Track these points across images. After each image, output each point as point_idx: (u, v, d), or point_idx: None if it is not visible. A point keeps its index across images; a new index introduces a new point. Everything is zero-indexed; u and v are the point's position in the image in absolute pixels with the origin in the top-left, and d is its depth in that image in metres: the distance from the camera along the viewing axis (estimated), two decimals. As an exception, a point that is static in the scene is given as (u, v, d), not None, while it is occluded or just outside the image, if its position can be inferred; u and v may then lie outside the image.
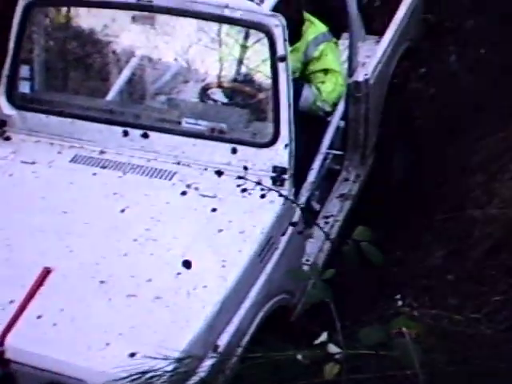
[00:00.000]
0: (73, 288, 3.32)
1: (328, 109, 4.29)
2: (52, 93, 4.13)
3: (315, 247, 4.14)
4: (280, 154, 3.64)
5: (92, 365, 3.07)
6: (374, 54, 4.67)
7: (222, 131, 3.74)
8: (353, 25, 4.47)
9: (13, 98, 4.00)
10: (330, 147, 4.37)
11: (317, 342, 2.76)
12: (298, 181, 3.99)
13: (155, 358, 2.89)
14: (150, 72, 4.75)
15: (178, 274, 3.33)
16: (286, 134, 3.62)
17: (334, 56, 4.29)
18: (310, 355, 2.76)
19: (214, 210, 3.57)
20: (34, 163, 3.86)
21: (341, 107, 4.46)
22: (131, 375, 2.87)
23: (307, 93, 4.19)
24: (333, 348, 2.71)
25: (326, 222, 4.31)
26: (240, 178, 3.63)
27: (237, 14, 3.65)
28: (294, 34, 4.12)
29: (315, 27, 4.31)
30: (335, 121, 4.43)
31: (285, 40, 3.59)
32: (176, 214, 3.57)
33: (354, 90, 4.44)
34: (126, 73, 4.54)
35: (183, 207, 3.60)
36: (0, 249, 3.49)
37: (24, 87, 4.03)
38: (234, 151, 3.71)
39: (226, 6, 3.65)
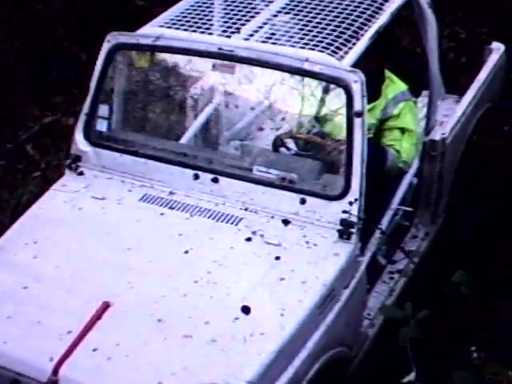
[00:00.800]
0: (130, 324, 3.32)
1: (406, 169, 4.25)
2: (128, 132, 4.19)
3: (378, 302, 4.08)
4: (349, 208, 3.61)
5: (143, 403, 3.05)
6: (452, 113, 4.65)
7: (292, 181, 3.73)
8: (433, 83, 4.45)
9: (89, 135, 4.08)
10: (401, 203, 4.32)
11: (404, 380, 2.70)
12: (366, 235, 3.97)
13: None
14: (226, 118, 4.83)
15: (236, 318, 3.30)
16: (357, 189, 3.59)
17: (412, 115, 4.27)
18: None
19: (277, 258, 3.54)
20: (103, 199, 3.91)
21: (415, 164, 4.43)
22: None
23: (389, 157, 4.16)
24: None
25: (391, 278, 4.24)
26: None
27: (316, 68, 3.65)
28: (374, 91, 4.12)
29: (395, 85, 4.30)
30: (408, 177, 4.38)
31: (363, 96, 3.58)
32: (239, 259, 3.56)
33: (429, 149, 4.41)
34: (202, 117, 4.63)
35: (247, 253, 3.58)
36: (64, 280, 3.53)
37: (101, 125, 4.10)
38: (303, 202, 3.68)
39: (307, 60, 3.66)
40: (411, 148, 4.23)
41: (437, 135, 4.41)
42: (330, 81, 3.74)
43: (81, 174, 4.07)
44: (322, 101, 4.28)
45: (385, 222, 4.09)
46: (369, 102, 3.98)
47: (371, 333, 3.94)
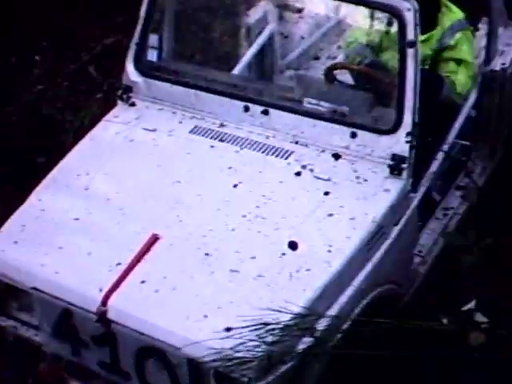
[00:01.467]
0: (178, 257, 3.35)
1: (460, 102, 4.13)
2: (179, 63, 4.16)
3: (430, 239, 4.03)
4: (401, 143, 3.53)
5: (188, 334, 3.08)
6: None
7: (343, 114, 3.66)
8: (494, 9, 4.28)
9: (140, 65, 4.05)
10: (458, 137, 4.22)
11: (464, 308, 2.73)
12: (420, 170, 3.90)
13: (278, 311, 2.87)
14: (281, 46, 4.75)
15: (283, 254, 3.30)
16: (409, 122, 3.51)
17: (468, 46, 4.12)
18: (456, 320, 2.75)
19: (326, 193, 3.50)
20: (154, 130, 3.90)
21: (473, 96, 4.30)
22: (253, 325, 2.87)
23: (445, 86, 4.04)
24: (480, 317, 2.68)
25: (445, 214, 4.17)
26: None
27: None
28: (429, 20, 3.98)
29: (452, 13, 4.15)
30: (466, 110, 4.26)
31: (416, 25, 3.46)
32: (288, 194, 3.53)
33: (489, 80, 4.26)
34: (256, 45, 4.55)
35: (296, 188, 3.55)
36: (114, 212, 3.56)
37: (152, 55, 4.07)
38: (354, 135, 3.62)
39: None
40: (467, 80, 4.10)
41: (497, 65, 4.26)
42: (382, 9, 3.63)
43: (132, 104, 4.07)
44: (378, 31, 4.16)
45: (440, 157, 4.00)
46: (424, 32, 3.88)
47: (422, 270, 3.90)
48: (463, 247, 2.82)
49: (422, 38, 3.91)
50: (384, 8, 3.58)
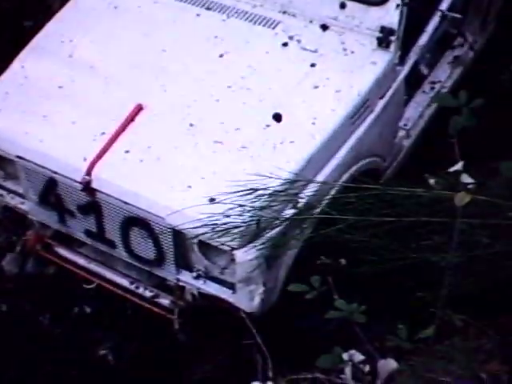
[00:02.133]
0: (162, 127, 3.34)
1: None
2: None
3: (416, 112, 4.01)
4: (390, 14, 3.47)
5: (172, 204, 3.11)
6: None
7: None
8: None
9: None
10: (450, 9, 4.14)
11: (451, 169, 2.70)
12: (408, 43, 3.84)
13: (269, 177, 2.83)
14: None
15: (267, 126, 3.29)
16: None
17: None
18: (442, 182, 2.71)
19: (312, 65, 3.46)
20: (141, -3, 3.82)
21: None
22: (244, 190, 2.84)
23: None
24: (466, 178, 2.65)
25: (432, 88, 4.14)
26: None
27: None
28: None
29: None
30: None
31: None
32: (274, 65, 3.49)
33: None
34: None
35: (282, 59, 3.51)
36: (98, 80, 3.53)
37: None
38: (343, 6, 3.55)
39: None
40: None
41: None
42: None
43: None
44: None
45: (429, 30, 3.93)
46: None
47: (406, 144, 3.90)
48: (453, 109, 2.79)
49: None
50: None
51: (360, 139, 3.42)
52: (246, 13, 3.68)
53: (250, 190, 2.93)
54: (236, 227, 3.01)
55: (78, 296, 3.80)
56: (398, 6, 3.45)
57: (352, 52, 3.50)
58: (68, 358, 3.72)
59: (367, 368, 2.74)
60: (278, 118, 3.31)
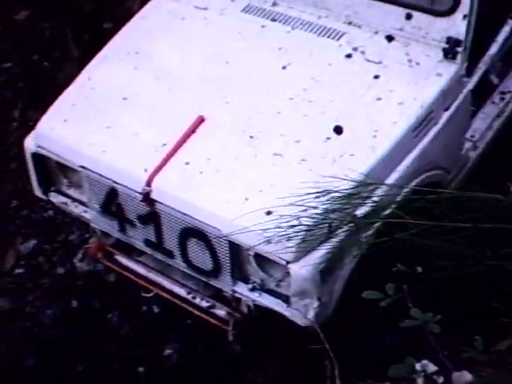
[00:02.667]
0: (223, 139, 3.35)
1: None
2: None
3: (484, 123, 3.91)
4: (457, 25, 3.39)
5: (229, 216, 3.11)
6: None
7: None
8: None
9: None
10: None
11: None
12: (477, 53, 3.76)
13: (342, 179, 2.84)
14: None
15: (328, 138, 3.26)
16: (467, 4, 3.36)
17: None
18: None
19: (376, 76, 3.41)
20: (206, 9, 3.84)
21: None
22: (316, 192, 2.83)
23: None
24: None
25: (502, 98, 4.03)
26: None
27: None
28: None
29: None
30: None
31: None
32: (337, 77, 3.45)
33: None
34: None
35: (345, 70, 3.47)
36: (162, 92, 3.56)
37: None
38: (409, 17, 3.49)
39: None
40: None
41: None
42: None
43: (185, -18, 3.99)
44: None
45: (500, 39, 3.83)
46: None
47: (473, 155, 3.80)
48: None
49: None
50: None
51: (423, 152, 3.35)
52: (311, 24, 3.66)
53: (323, 191, 2.91)
54: (289, 239, 3.00)
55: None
56: (465, 16, 3.37)
57: (417, 63, 3.44)
58: (134, 356, 3.78)
59: (441, 379, 2.68)
60: (338, 130, 3.27)
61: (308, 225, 2.98)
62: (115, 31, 3.93)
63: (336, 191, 2.82)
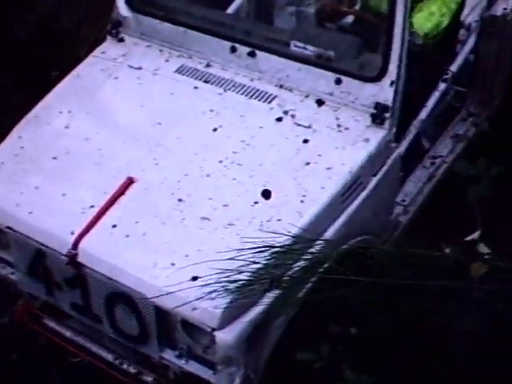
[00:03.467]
0: (151, 202, 3.33)
1: (419, 41, 3.85)
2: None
3: (415, 188, 3.95)
4: (385, 91, 3.44)
5: (155, 282, 3.09)
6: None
7: (328, 59, 3.56)
8: None
9: (130, 0, 3.97)
10: (454, 82, 4.10)
11: (468, 238, 2.70)
12: (408, 118, 3.82)
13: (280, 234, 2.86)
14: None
15: (256, 203, 3.26)
16: (395, 71, 3.40)
17: None
18: (458, 252, 2.70)
19: (305, 141, 3.44)
20: (140, 69, 3.85)
21: (471, 40, 4.16)
22: (259, 247, 2.84)
23: None
24: (483, 248, 2.65)
25: (433, 163, 4.08)
26: None
27: None
28: None
29: None
30: (464, 53, 4.12)
31: None
32: (267, 140, 3.47)
33: (488, 25, 4.11)
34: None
35: (275, 134, 3.49)
36: (92, 152, 3.54)
37: (142, -10, 3.98)
38: (339, 81, 3.53)
39: None
40: (428, 17, 3.84)
41: (498, 10, 4.10)
42: None
43: (121, 40, 4.00)
44: None
45: (430, 104, 3.90)
46: None
47: (404, 220, 3.84)
48: (471, 176, 2.74)
49: None
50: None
51: (351, 217, 3.37)
52: (244, 86, 3.68)
53: (265, 247, 2.90)
54: (215, 306, 2.99)
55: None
56: (392, 82, 3.42)
57: (346, 128, 3.47)
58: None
59: None
60: (266, 194, 3.28)
61: (237, 286, 2.99)
62: (63, 79, 3.92)
63: (278, 247, 2.86)
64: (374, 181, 3.46)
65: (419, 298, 2.95)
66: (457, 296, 2.92)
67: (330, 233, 3.28)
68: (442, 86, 4.01)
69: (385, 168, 3.50)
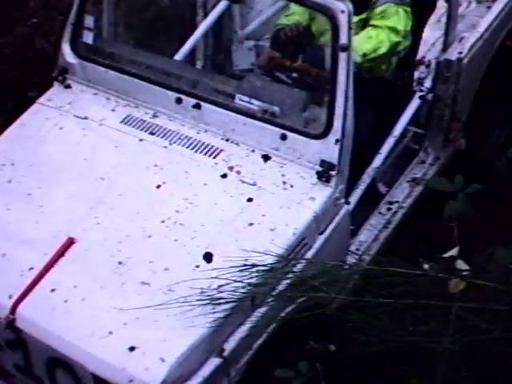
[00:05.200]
0: (91, 264, 3.27)
1: (358, 60, 3.73)
2: (117, 46, 3.97)
3: (370, 235, 3.90)
4: (330, 149, 3.38)
5: (92, 351, 3.03)
6: (478, 24, 4.25)
7: (274, 114, 3.50)
8: None
9: (76, 46, 3.88)
10: (413, 122, 4.04)
11: (446, 255, 2.70)
12: (363, 165, 3.77)
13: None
14: (241, 16, 4.55)
15: (197, 266, 3.20)
16: (339, 129, 3.35)
17: (395, 18, 3.81)
18: (437, 268, 2.72)
19: (249, 199, 3.38)
20: (85, 119, 3.77)
21: (429, 80, 4.15)
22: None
23: None
24: (461, 264, 2.65)
25: (389, 209, 4.02)
26: None
27: None
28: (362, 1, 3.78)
29: None
30: (418, 95, 4.07)
31: (350, 28, 3.26)
32: (210, 199, 3.41)
33: (443, 69, 4.05)
34: (212, 15, 4.36)
35: (219, 192, 3.42)
36: (34, 209, 3.46)
37: (87, 37, 3.89)
38: (284, 137, 3.47)
39: None
40: (368, 39, 3.76)
41: (453, 54, 4.05)
42: (314, 8, 3.40)
43: (68, 86, 3.91)
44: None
45: (384, 151, 3.84)
46: (357, 14, 3.66)
47: (358, 269, 3.78)
48: (448, 193, 2.76)
49: (355, 19, 3.70)
50: (317, 7, 3.37)
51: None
52: (190, 139, 3.61)
53: (249, 265, 2.97)
54: (153, 380, 2.95)
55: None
56: (337, 140, 3.36)
57: (291, 186, 3.41)
58: None
59: None
60: (208, 257, 3.22)
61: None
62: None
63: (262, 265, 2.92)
64: (320, 239, 3.40)
65: (400, 316, 2.95)
66: (437, 314, 2.90)
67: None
68: (397, 131, 3.97)
69: (332, 226, 3.44)
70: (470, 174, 2.95)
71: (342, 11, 3.25)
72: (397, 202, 4.05)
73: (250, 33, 4.65)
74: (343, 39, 3.27)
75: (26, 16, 5.76)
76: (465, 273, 2.63)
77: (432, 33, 4.46)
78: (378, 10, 3.83)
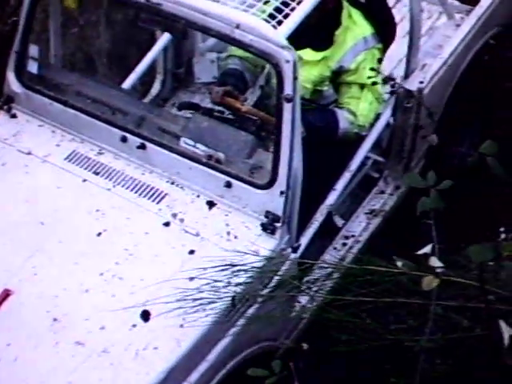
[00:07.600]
0: (26, 320, 3.17)
1: (365, 132, 3.76)
2: (61, 75, 3.79)
3: (323, 273, 3.78)
4: (275, 200, 3.27)
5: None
6: (443, 48, 4.09)
7: (219, 161, 3.37)
8: (413, 18, 3.85)
9: (21, 75, 3.73)
10: (375, 145, 3.91)
11: (420, 252, 2.69)
12: (317, 202, 3.66)
13: None
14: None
15: (134, 325, 3.11)
16: (284, 180, 3.23)
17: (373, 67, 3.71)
18: (411, 265, 2.72)
19: (192, 251, 3.28)
20: (29, 154, 3.63)
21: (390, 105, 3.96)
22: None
23: (342, 121, 3.68)
24: (435, 261, 2.63)
25: (344, 244, 3.91)
26: None
27: (247, 39, 3.17)
28: (325, 37, 3.64)
29: (357, 29, 3.68)
30: (384, 119, 3.92)
31: (295, 78, 3.12)
32: (151, 250, 3.30)
33: (403, 99, 3.90)
34: (157, 45, 4.20)
35: (161, 242, 3.32)
36: (-30, 255, 3.37)
37: (32, 67, 3.73)
38: (229, 185, 3.35)
39: (237, 27, 3.17)
40: (370, 108, 3.72)
41: (413, 84, 3.89)
42: (260, 55, 3.23)
43: (13, 116, 3.76)
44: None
45: (339, 187, 3.70)
46: (319, 50, 3.58)
47: (308, 311, 3.68)
48: (421, 190, 2.69)
49: (317, 57, 3.63)
50: (261, 55, 3.21)
51: (239, 333, 3.22)
52: (134, 180, 3.49)
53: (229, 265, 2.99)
54: None
55: None
56: (282, 192, 3.24)
57: (235, 237, 3.31)
58: None
59: None
60: (145, 316, 3.12)
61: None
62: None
63: None
64: (266, 291, 3.29)
65: (379, 314, 2.97)
66: (416, 313, 2.89)
67: (213, 355, 3.15)
68: (355, 164, 3.83)
69: (278, 277, 3.33)
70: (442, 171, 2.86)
71: (287, 61, 3.10)
72: (353, 236, 3.93)
73: (213, 45, 4.49)
74: (288, 90, 3.13)
75: (7, 14, 5.59)
76: (439, 270, 2.60)
77: (398, 48, 4.25)
78: (361, 61, 3.69)
